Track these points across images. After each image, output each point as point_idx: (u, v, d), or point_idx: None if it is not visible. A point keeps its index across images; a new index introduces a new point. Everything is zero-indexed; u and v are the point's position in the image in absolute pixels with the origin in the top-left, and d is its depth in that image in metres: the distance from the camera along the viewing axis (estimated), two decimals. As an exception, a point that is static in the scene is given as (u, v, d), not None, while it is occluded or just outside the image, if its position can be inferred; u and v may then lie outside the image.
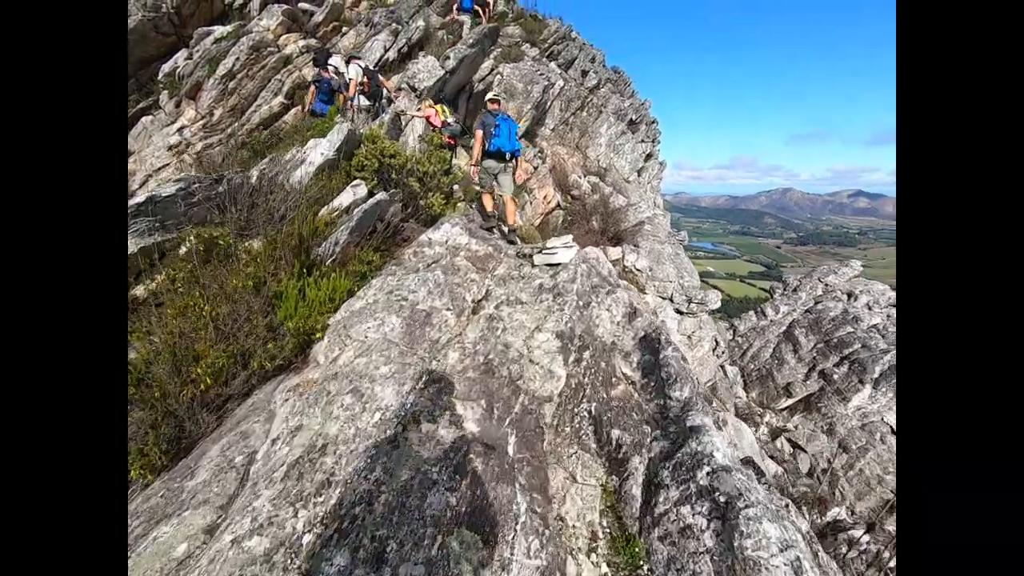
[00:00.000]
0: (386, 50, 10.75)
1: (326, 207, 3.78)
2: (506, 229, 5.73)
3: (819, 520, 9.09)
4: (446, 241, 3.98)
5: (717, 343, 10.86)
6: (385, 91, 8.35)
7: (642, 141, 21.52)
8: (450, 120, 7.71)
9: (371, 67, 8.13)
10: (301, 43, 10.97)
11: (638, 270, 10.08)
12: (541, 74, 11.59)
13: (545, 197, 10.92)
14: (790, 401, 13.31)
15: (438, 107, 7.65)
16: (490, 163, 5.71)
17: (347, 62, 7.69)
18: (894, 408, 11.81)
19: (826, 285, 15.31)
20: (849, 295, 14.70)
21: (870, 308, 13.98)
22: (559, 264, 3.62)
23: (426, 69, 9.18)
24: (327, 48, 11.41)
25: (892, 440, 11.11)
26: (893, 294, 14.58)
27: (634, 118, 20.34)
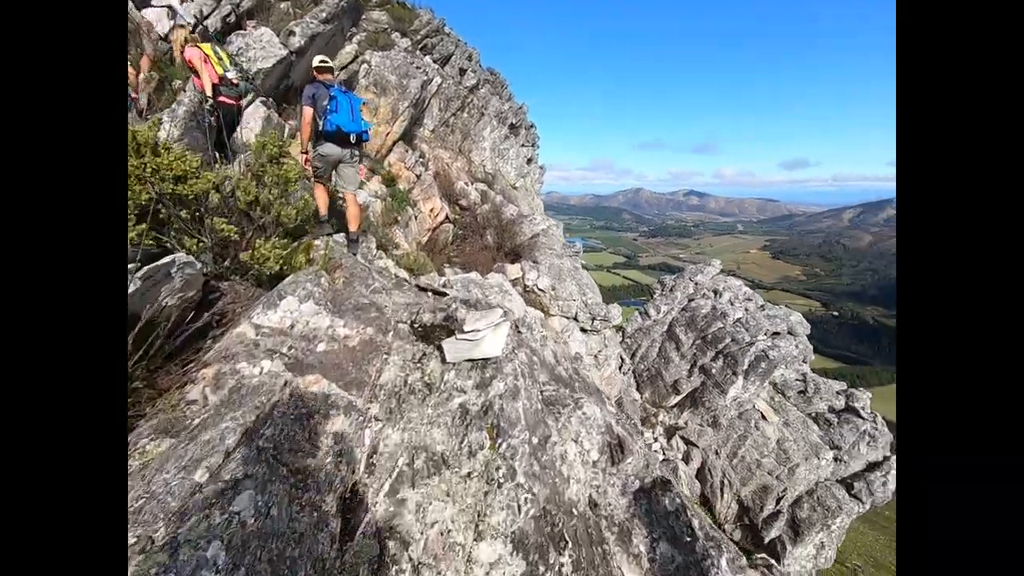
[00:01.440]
0: (204, 17, 8.04)
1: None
2: (352, 238, 4.65)
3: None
4: (291, 327, 2.34)
5: (623, 360, 10.70)
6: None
7: (523, 145, 21.23)
8: (231, 74, 4.88)
9: None
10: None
11: (541, 290, 9.28)
12: (417, 67, 10.00)
13: (432, 210, 9.43)
14: (678, 398, 14.08)
15: (206, 47, 4.84)
16: (330, 149, 4.34)
17: None
18: (761, 395, 13.23)
19: (696, 283, 16.70)
20: (715, 292, 16.23)
21: (732, 303, 15.56)
22: (486, 359, 2.30)
23: (260, 45, 6.87)
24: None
25: (764, 426, 12.37)
26: (748, 289, 16.52)
27: (514, 122, 19.87)
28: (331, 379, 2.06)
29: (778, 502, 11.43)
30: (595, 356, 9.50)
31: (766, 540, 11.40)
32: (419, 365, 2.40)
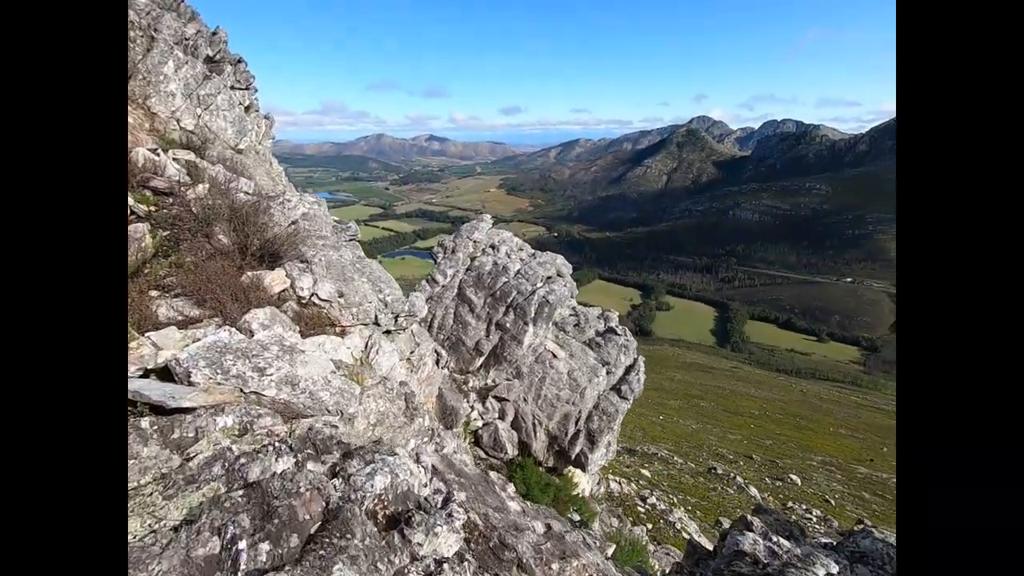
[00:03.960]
0: None
1: None
2: None
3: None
4: None
5: (439, 354, 9.65)
6: None
7: (234, 88, 15.85)
8: None
9: None
10: None
11: (324, 300, 7.02)
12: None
13: (96, 210, 5.56)
14: (482, 359, 14.36)
15: None
16: None
17: None
18: (549, 336, 14.80)
19: (474, 241, 16.81)
20: (493, 247, 16.76)
21: (510, 256, 16.44)
22: None
23: None
24: None
25: (556, 363, 13.97)
26: (519, 240, 17.72)
27: (212, 54, 14.42)
28: None
29: (576, 423, 13.43)
30: (408, 359, 8.16)
31: (572, 456, 13.39)
32: None
